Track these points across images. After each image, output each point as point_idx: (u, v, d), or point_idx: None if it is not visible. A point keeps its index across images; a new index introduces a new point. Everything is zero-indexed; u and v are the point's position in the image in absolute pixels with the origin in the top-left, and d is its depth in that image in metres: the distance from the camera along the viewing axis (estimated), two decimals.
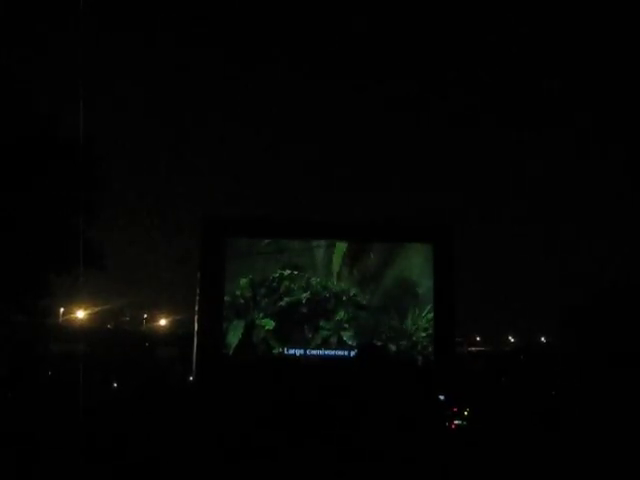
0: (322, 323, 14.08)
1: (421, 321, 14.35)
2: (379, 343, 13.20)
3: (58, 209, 14.63)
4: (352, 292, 14.36)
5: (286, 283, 14.19)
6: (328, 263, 14.54)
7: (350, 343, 14.15)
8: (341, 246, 14.76)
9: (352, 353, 13.64)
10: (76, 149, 14.62)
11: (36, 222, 14.21)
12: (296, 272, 14.30)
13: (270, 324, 14.24)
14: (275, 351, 14.09)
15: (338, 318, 14.29)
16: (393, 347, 13.96)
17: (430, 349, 14.20)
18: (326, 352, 14.18)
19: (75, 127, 14.94)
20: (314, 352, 14.18)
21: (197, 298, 14.71)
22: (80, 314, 28.12)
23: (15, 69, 15.47)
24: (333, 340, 14.25)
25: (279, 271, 14.27)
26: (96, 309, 28.31)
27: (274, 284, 14.31)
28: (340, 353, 14.12)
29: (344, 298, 14.40)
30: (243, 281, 14.44)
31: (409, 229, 15.26)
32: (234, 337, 14.64)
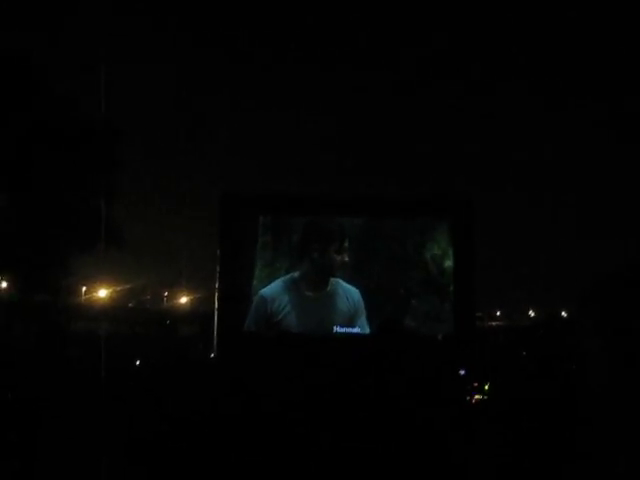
0: None
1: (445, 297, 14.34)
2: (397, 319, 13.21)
3: (79, 189, 14.77)
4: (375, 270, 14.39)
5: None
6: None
7: (375, 321, 14.18)
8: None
9: (372, 331, 13.68)
10: (96, 129, 14.74)
11: (56, 203, 14.35)
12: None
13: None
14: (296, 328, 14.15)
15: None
16: (412, 323, 13.95)
17: (451, 324, 14.20)
18: (347, 330, 14.21)
19: (95, 108, 15.05)
20: (338, 329, 14.22)
21: (217, 276, 14.78)
22: (102, 293, 28.39)
23: (33, 50, 15.58)
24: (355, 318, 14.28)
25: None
26: (118, 288, 28.57)
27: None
28: (360, 330, 14.15)
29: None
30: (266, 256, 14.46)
31: (427, 204, 15.16)
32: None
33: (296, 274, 14.48)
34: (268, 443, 7.44)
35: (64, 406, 9.44)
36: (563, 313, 34.26)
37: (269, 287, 14.21)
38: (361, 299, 14.38)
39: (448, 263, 14.67)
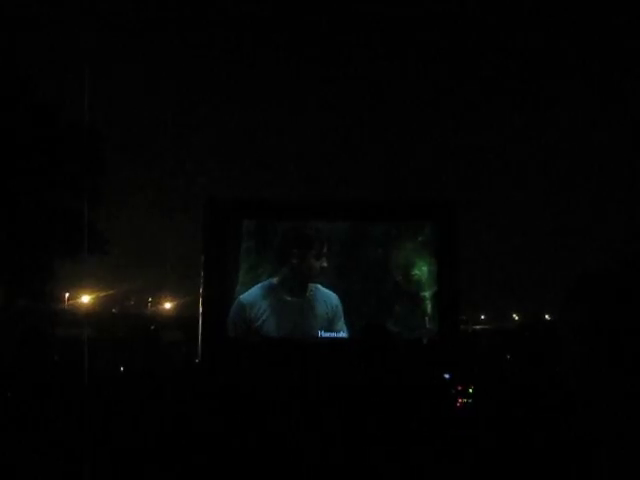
0: None
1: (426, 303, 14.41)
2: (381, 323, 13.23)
3: (62, 194, 14.70)
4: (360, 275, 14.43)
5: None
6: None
7: (355, 325, 14.21)
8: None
9: (356, 335, 13.69)
10: (79, 135, 14.67)
11: (40, 208, 14.28)
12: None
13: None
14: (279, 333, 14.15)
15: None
16: (395, 327, 13.99)
17: (435, 328, 14.23)
18: (331, 334, 14.22)
19: (78, 113, 15.00)
20: (322, 334, 14.23)
21: (201, 281, 14.76)
22: (85, 299, 28.25)
23: (17, 56, 15.50)
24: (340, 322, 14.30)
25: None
26: (101, 294, 28.43)
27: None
28: (345, 335, 14.17)
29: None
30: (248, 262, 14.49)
31: (410, 207, 15.20)
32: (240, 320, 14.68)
33: (275, 280, 14.46)
34: (254, 449, 7.42)
35: (45, 411, 9.37)
36: (547, 316, 34.47)
37: (248, 293, 14.20)
38: (339, 304, 14.39)
39: (432, 266, 14.69)
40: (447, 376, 9.91)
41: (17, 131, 13.97)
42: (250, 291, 14.08)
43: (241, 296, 13.93)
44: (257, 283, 14.47)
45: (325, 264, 14.57)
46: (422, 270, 14.67)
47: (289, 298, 14.62)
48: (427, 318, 14.18)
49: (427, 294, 14.48)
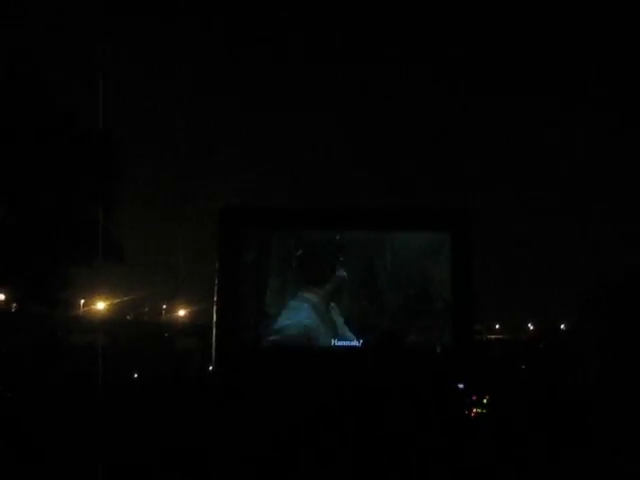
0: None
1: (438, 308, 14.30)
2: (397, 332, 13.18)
3: (77, 201, 14.72)
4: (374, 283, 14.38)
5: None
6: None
7: (362, 333, 14.15)
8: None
9: (371, 344, 13.61)
10: (95, 140, 14.71)
11: (55, 214, 14.31)
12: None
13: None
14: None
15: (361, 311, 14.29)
16: (411, 336, 13.90)
17: (450, 338, 14.13)
18: (346, 343, 14.16)
19: (94, 118, 15.04)
20: (335, 342, 14.18)
21: (215, 289, 14.74)
22: (100, 306, 28.29)
23: (32, 59, 15.54)
24: (348, 328, 14.24)
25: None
26: (116, 301, 28.49)
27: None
28: (356, 344, 14.09)
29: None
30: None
31: (425, 216, 15.11)
32: (255, 328, 14.66)
33: (305, 294, 14.45)
34: (267, 455, 7.40)
35: (59, 418, 9.39)
36: (562, 326, 34.19)
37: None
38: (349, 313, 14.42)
39: (447, 276, 14.62)
40: (461, 386, 9.84)
41: (34, 136, 14.02)
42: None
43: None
44: (279, 294, 14.48)
45: (344, 273, 14.56)
46: (437, 280, 14.59)
47: (313, 306, 14.61)
48: (442, 328, 14.10)
49: (442, 304, 14.40)
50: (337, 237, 14.62)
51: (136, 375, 18.31)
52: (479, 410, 8.75)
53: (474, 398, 9.19)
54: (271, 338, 14.12)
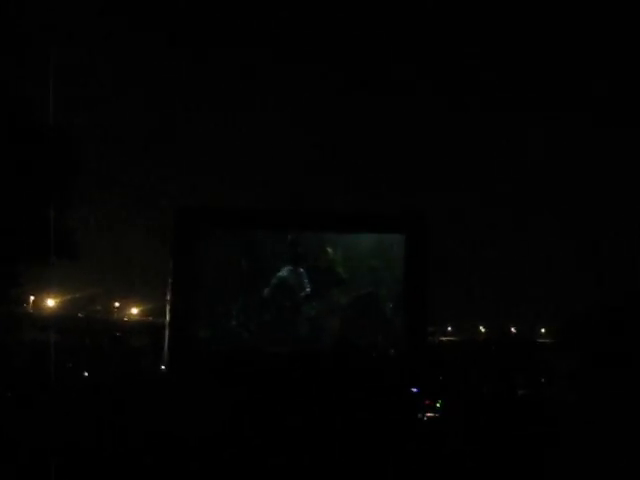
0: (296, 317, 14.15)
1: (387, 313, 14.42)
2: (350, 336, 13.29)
3: (28, 196, 14.48)
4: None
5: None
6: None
7: (322, 336, 14.22)
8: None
9: (321, 346, 13.69)
10: (47, 134, 14.46)
11: (4, 210, 14.06)
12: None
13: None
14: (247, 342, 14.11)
15: (313, 312, 14.36)
16: (364, 339, 14.00)
17: (403, 341, 14.26)
18: (299, 345, 14.21)
19: (46, 111, 14.79)
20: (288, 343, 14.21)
21: (169, 288, 14.68)
22: (51, 302, 27.86)
23: None
24: (306, 334, 14.30)
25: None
26: (67, 297, 28.08)
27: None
28: (311, 346, 14.16)
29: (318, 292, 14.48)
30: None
31: (380, 218, 15.27)
32: (208, 327, 14.63)
33: (263, 291, 14.46)
34: (218, 455, 7.38)
35: (9, 415, 9.26)
36: (512, 329, 34.69)
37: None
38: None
39: (400, 278, 14.73)
40: (415, 390, 9.91)
41: None
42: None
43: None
44: (235, 295, 14.45)
45: (302, 272, 14.61)
46: (392, 282, 14.71)
47: (264, 307, 14.61)
48: (395, 330, 14.20)
49: (395, 305, 14.51)
50: (290, 238, 14.66)
51: (86, 373, 18.05)
52: (432, 414, 8.83)
53: (427, 402, 9.26)
54: (222, 339, 14.11)
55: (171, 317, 14.41)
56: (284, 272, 14.43)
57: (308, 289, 14.42)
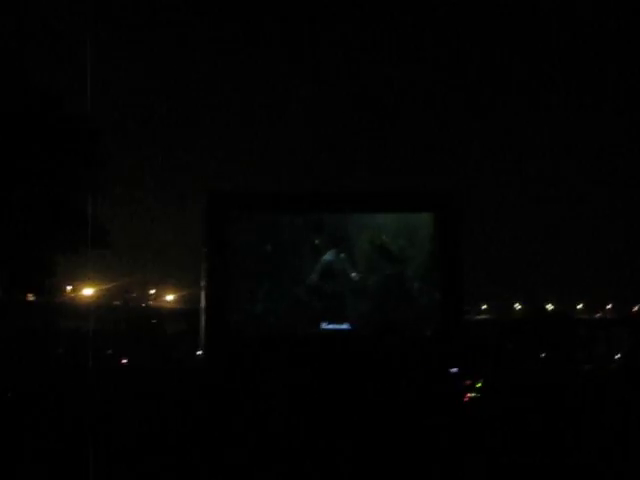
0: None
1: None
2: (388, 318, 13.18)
3: (61, 188, 14.59)
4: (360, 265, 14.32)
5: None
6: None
7: (351, 315, 14.12)
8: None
9: (353, 327, 13.64)
10: (80, 127, 14.56)
11: (40, 201, 14.18)
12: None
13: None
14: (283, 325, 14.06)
15: (345, 293, 14.28)
16: (402, 319, 13.88)
17: (438, 320, 14.11)
18: (335, 326, 14.15)
19: (76, 104, 14.88)
20: (324, 326, 14.16)
21: (203, 273, 14.68)
22: (88, 292, 28.18)
23: (16, 45, 15.34)
24: (342, 315, 14.22)
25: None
26: (104, 287, 28.38)
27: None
28: (347, 327, 14.06)
29: (352, 273, 14.38)
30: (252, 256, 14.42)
31: (411, 198, 15.08)
32: (244, 312, 14.63)
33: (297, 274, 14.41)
34: (254, 440, 7.37)
35: (49, 404, 9.35)
36: (548, 306, 34.32)
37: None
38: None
39: (434, 257, 14.60)
40: (455, 370, 9.79)
41: (16, 122, 13.83)
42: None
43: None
44: (268, 277, 14.44)
45: (342, 255, 14.54)
46: (427, 262, 14.58)
47: (296, 290, 14.58)
48: (431, 310, 14.09)
49: (429, 285, 14.39)
50: (320, 220, 14.60)
51: (125, 361, 18.25)
52: (473, 395, 8.71)
53: (468, 383, 9.14)
54: (259, 322, 14.10)
55: (206, 303, 14.39)
56: (328, 256, 14.30)
57: (354, 274, 14.28)
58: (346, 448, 6.63)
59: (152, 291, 37.49)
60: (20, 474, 7.26)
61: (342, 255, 14.34)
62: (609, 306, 38.25)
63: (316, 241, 14.56)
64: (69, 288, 29.44)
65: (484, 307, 41.87)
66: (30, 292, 16.03)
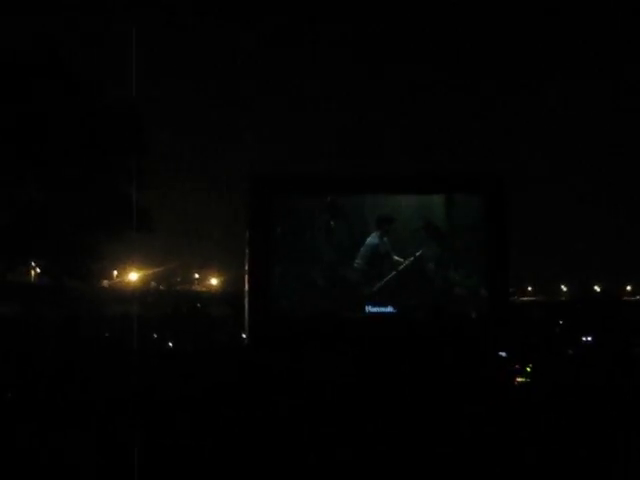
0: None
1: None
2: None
3: (107, 173, 14.69)
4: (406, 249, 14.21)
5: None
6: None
7: (395, 298, 14.06)
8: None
9: (397, 309, 13.56)
10: (122, 113, 14.63)
11: (83, 186, 14.29)
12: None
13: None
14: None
15: (391, 276, 14.19)
16: (450, 303, 13.75)
17: (484, 303, 13.95)
18: (380, 309, 14.08)
19: (120, 90, 14.97)
20: (370, 309, 14.10)
21: (246, 258, 14.69)
22: (133, 276, 28.44)
23: (58, 35, 15.49)
24: (387, 298, 14.14)
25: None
26: (148, 271, 28.62)
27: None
28: (389, 310, 14.01)
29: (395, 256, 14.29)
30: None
31: (458, 179, 14.94)
32: (287, 296, 14.62)
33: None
34: (301, 421, 7.33)
35: (94, 387, 9.43)
36: (596, 287, 33.79)
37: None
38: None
39: (482, 240, 14.42)
40: (503, 354, 9.65)
41: (58, 110, 13.95)
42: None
43: None
44: (314, 263, 14.42)
45: (386, 239, 14.46)
46: (474, 244, 14.41)
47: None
48: (477, 292, 13.93)
49: (476, 267, 14.23)
50: (363, 202, 14.48)
51: (170, 344, 18.35)
52: (522, 379, 8.54)
53: (517, 367, 8.97)
54: (303, 306, 14.07)
55: (250, 287, 14.43)
56: (373, 239, 14.21)
57: (398, 257, 14.22)
58: (394, 434, 6.55)
59: (196, 275, 37.77)
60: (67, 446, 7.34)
61: (385, 239, 14.23)
62: None
63: (359, 224, 14.47)
64: (115, 273, 29.75)
65: (530, 289, 41.36)
66: (76, 278, 16.19)
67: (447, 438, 6.16)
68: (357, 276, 14.28)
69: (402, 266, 14.34)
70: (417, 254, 14.05)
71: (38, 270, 17.83)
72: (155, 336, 19.10)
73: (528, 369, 8.79)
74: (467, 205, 14.81)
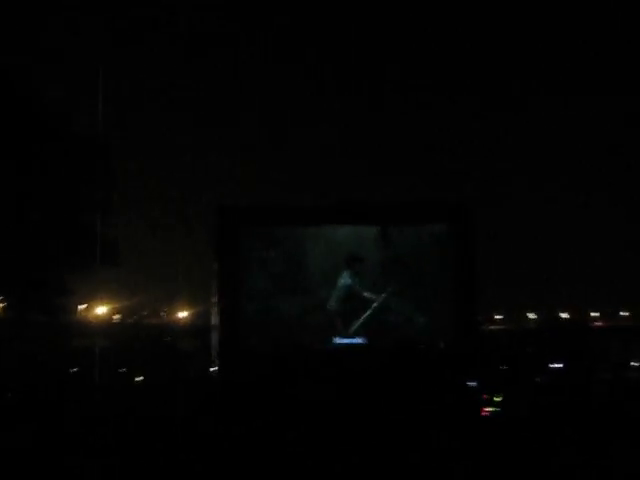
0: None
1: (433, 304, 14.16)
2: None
3: (71, 206, 14.58)
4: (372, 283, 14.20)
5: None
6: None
7: (366, 331, 14.04)
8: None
9: (366, 341, 13.55)
10: (89, 146, 14.58)
11: (49, 220, 14.17)
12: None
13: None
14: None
15: (367, 314, 14.21)
16: (413, 332, 13.75)
17: (451, 332, 13.97)
18: (348, 340, 14.06)
19: (87, 124, 14.93)
20: (337, 340, 14.06)
21: (215, 290, 14.61)
22: (100, 310, 28.15)
23: (27, 67, 15.44)
24: (353, 329, 14.12)
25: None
26: (115, 305, 28.34)
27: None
28: (358, 341, 14.00)
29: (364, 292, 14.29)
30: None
31: (424, 209, 15.00)
32: (255, 328, 14.53)
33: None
34: (270, 455, 7.27)
35: (67, 421, 9.29)
36: (562, 315, 34.03)
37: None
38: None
39: (448, 268, 14.48)
40: (472, 384, 9.63)
41: (26, 143, 13.87)
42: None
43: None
44: (282, 294, 14.37)
45: (357, 279, 14.47)
46: (438, 273, 14.46)
47: (309, 304, 14.44)
48: (445, 322, 13.95)
49: (443, 297, 14.26)
50: (336, 234, 14.51)
51: (141, 378, 18.14)
52: (492, 409, 8.52)
53: (484, 397, 8.96)
54: (271, 338, 14.00)
55: (219, 319, 14.34)
56: (346, 280, 14.16)
57: (368, 294, 14.22)
58: (360, 461, 6.51)
59: (164, 309, 37.45)
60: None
61: (357, 279, 14.24)
62: (625, 313, 38.07)
63: (328, 257, 14.48)
64: (82, 307, 29.42)
65: (497, 317, 41.50)
66: (41, 312, 15.98)
67: (410, 468, 6.13)
68: (331, 316, 14.23)
69: (375, 303, 14.37)
70: (389, 289, 14.08)
71: (1, 305, 17.60)
72: (124, 370, 18.89)
73: (498, 399, 8.78)
74: (434, 236, 14.89)
